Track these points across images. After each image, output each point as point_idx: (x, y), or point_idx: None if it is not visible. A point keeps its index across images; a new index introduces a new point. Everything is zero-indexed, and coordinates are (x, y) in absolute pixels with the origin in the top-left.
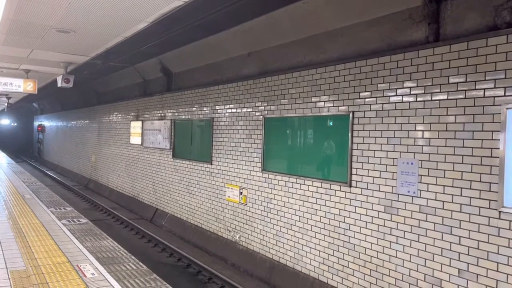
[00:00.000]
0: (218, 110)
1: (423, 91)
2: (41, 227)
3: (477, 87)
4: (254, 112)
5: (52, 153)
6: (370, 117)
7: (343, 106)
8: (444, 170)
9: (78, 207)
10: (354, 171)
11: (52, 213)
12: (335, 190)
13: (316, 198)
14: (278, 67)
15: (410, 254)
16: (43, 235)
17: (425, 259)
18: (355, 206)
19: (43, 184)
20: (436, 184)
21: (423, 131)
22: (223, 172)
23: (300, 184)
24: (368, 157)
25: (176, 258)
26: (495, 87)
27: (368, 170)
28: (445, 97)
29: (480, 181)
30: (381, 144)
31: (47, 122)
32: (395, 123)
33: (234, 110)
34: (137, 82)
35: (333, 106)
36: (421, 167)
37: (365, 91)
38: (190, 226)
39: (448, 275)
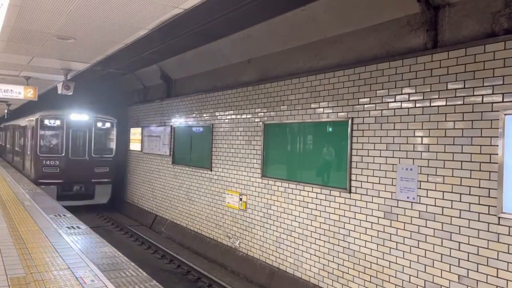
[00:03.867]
0: (218, 116)
1: (421, 97)
2: (41, 234)
3: (475, 93)
4: (253, 119)
5: None
6: (369, 123)
7: (342, 112)
8: (443, 176)
9: (77, 214)
10: (353, 177)
11: (51, 220)
12: (335, 196)
13: (316, 204)
14: (277, 74)
15: (410, 260)
16: (43, 241)
17: (425, 265)
18: (355, 212)
19: (42, 191)
20: (435, 190)
21: (422, 137)
22: (222, 178)
23: (300, 190)
24: (368, 163)
25: (175, 264)
26: (493, 93)
27: (368, 176)
28: (444, 103)
29: (479, 187)
30: (380, 150)
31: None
32: (394, 129)
33: (234, 117)
34: (137, 88)
35: (332, 112)
36: (420, 173)
37: (364, 97)
38: (189, 233)
39: (448, 281)
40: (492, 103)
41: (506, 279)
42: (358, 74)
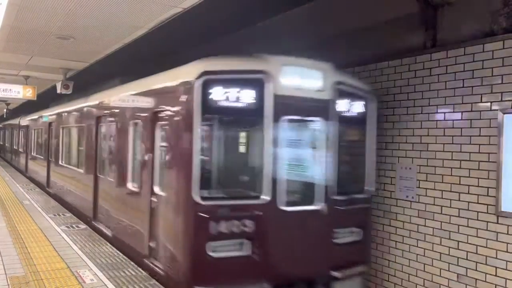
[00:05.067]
0: None
1: (420, 97)
2: (40, 233)
3: (474, 92)
4: None
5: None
6: None
7: None
8: (442, 175)
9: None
10: None
11: (51, 219)
12: None
13: None
14: None
15: (409, 259)
16: (42, 241)
17: (424, 264)
18: None
19: (41, 190)
20: (434, 189)
21: (421, 136)
22: None
23: None
24: None
25: None
26: (491, 92)
27: None
28: (443, 102)
29: (478, 186)
30: (379, 149)
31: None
32: (393, 128)
33: None
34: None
35: None
36: (419, 172)
37: None
38: None
39: (447, 280)
40: (491, 102)
41: (505, 278)
42: (357, 73)
